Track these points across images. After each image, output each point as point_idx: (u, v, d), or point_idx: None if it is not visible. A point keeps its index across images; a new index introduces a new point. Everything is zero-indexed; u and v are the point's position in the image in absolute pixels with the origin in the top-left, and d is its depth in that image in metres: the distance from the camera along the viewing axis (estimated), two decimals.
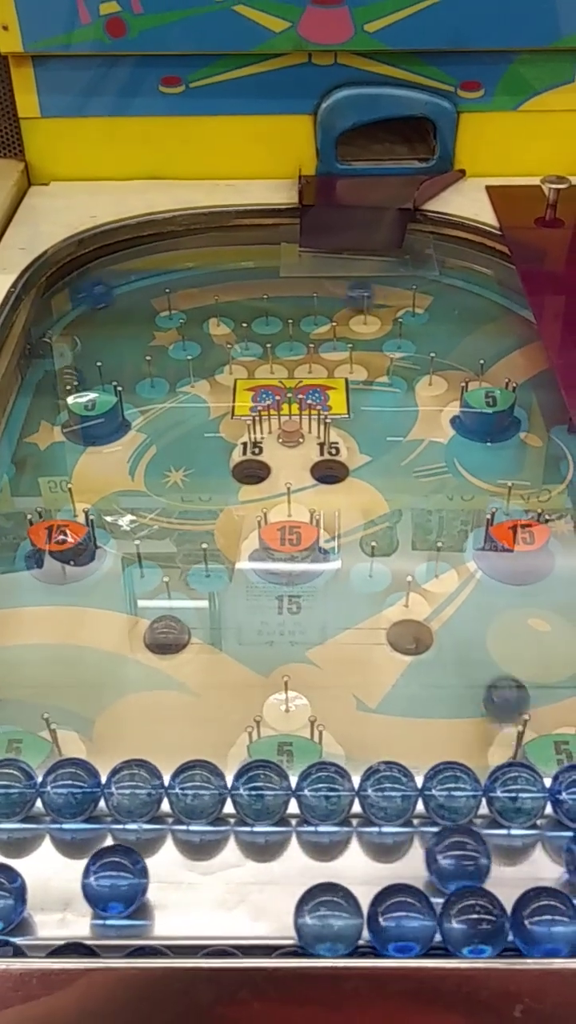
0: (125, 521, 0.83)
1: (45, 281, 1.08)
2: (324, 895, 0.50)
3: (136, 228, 1.14)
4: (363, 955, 0.49)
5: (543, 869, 0.55)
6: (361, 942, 0.50)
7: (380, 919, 0.50)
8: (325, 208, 1.15)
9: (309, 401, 0.93)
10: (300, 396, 0.94)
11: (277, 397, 0.94)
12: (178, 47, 1.10)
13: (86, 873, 0.53)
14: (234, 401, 0.95)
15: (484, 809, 0.57)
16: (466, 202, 1.15)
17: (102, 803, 0.57)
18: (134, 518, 0.84)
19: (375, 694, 0.69)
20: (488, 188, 1.16)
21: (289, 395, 0.94)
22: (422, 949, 0.49)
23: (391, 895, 0.50)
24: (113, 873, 0.52)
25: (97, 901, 0.53)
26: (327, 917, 0.49)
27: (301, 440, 0.90)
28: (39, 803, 0.57)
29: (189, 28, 1.08)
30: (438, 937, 0.50)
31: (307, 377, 0.97)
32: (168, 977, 0.47)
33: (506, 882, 0.52)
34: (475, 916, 0.49)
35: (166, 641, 0.73)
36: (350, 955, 0.50)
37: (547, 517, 0.80)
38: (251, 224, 1.16)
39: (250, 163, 1.18)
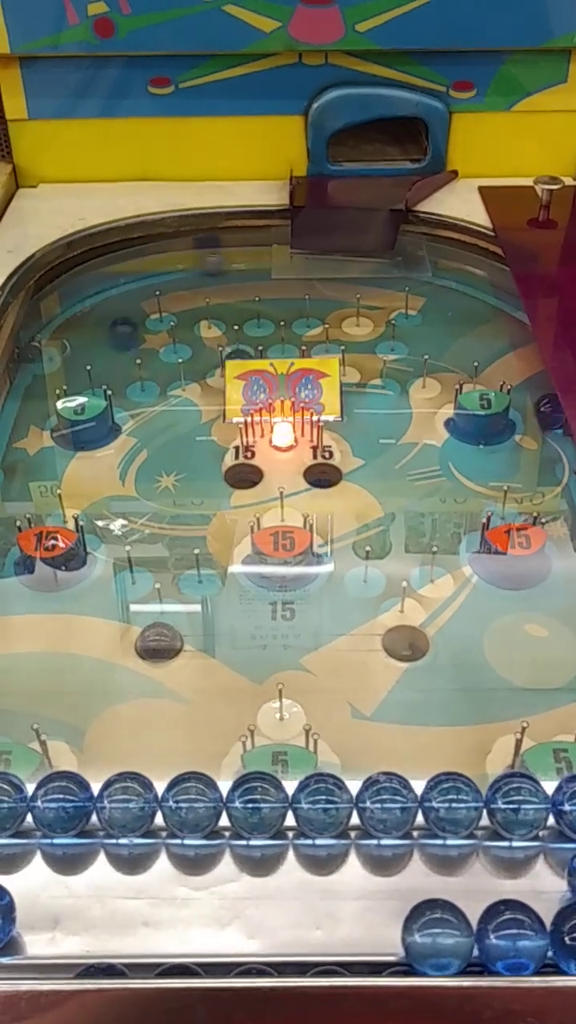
0: (116, 526, 0.82)
1: (34, 284, 1.07)
2: (433, 912, 0.49)
3: (126, 230, 1.13)
4: (367, 975, 0.48)
5: (545, 882, 0.54)
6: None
7: (491, 937, 0.48)
8: (316, 209, 1.14)
9: (303, 396, 0.91)
10: (293, 384, 0.91)
11: (268, 387, 0.91)
12: (167, 47, 1.09)
13: None
14: (225, 396, 0.93)
15: (485, 821, 0.56)
16: (459, 203, 1.14)
17: (94, 817, 0.56)
18: (125, 523, 0.83)
19: (370, 701, 0.68)
20: (481, 189, 1.15)
21: (282, 378, 0.91)
22: (535, 967, 0.48)
23: (501, 912, 0.49)
24: None
25: None
26: (438, 935, 0.48)
27: (294, 444, 0.89)
28: (29, 818, 0.56)
29: (178, 28, 1.07)
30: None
31: (299, 360, 0.95)
32: (161, 997, 0.46)
33: (507, 896, 0.51)
34: None
35: (158, 648, 0.72)
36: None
37: (543, 520, 0.79)
38: (242, 226, 1.15)
39: (241, 164, 1.17)
